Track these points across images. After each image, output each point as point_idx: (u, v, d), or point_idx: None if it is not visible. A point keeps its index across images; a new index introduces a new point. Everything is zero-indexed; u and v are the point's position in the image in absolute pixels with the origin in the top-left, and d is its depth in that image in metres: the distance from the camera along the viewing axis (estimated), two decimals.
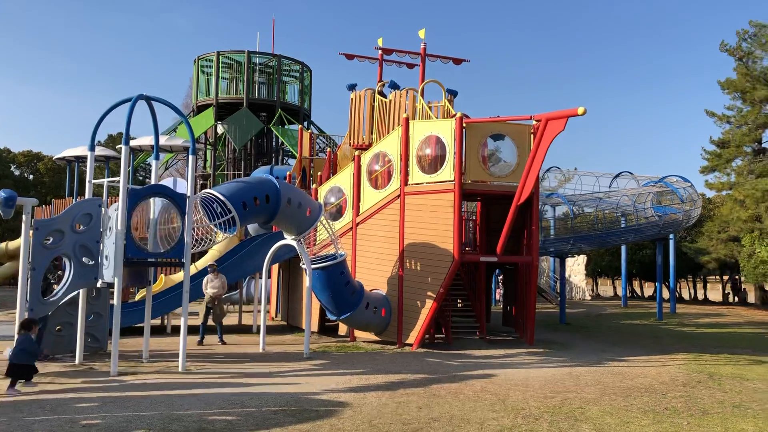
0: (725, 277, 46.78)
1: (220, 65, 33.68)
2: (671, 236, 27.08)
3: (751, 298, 43.09)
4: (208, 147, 35.23)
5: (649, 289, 50.48)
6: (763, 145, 38.41)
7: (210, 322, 14.92)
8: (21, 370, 8.93)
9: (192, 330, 13.92)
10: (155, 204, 11.13)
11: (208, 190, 11.98)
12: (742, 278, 40.29)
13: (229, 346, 14.38)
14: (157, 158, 11.96)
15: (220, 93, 33.64)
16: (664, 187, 25.42)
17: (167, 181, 13.74)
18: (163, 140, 25.81)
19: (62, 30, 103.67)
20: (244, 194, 12.04)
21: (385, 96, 18.08)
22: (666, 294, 35.46)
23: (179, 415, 7.71)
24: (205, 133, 34.50)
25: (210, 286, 14.85)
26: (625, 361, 13.16)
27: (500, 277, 28.23)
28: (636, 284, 49.95)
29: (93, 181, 11.52)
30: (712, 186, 38.08)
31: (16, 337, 9.29)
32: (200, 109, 34.31)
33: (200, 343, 14.37)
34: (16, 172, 45.91)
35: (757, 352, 15.37)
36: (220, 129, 34.30)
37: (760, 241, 34.54)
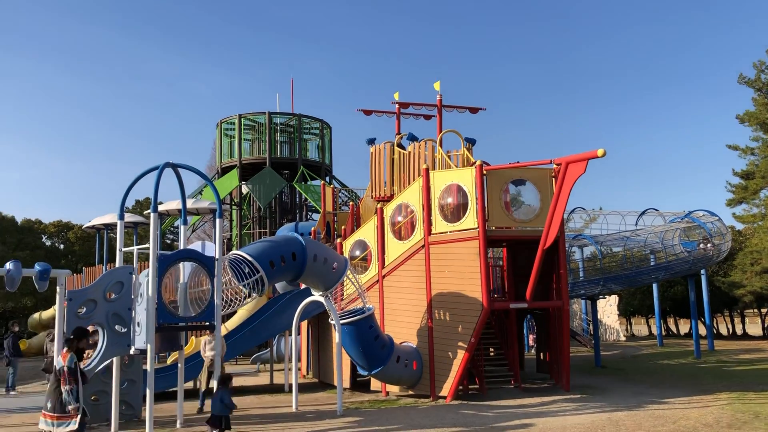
0: (764, 310, 45.60)
1: (242, 127, 34.45)
2: (703, 271, 26.59)
3: None
4: (234, 207, 35.74)
5: (684, 326, 49.34)
6: None
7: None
8: (221, 421, 10.04)
9: (190, 395, 13.38)
10: (184, 268, 11.30)
11: (235, 252, 12.16)
12: None
13: (263, 406, 14.30)
14: (185, 223, 12.22)
15: (243, 154, 34.31)
16: (691, 223, 25.14)
17: (196, 245, 13.89)
18: (189, 203, 26.29)
19: (90, 100, 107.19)
20: (271, 253, 12.19)
21: (404, 148, 18.32)
22: (702, 330, 34.64)
23: None
24: (230, 193, 35.05)
25: (209, 348, 14.08)
26: (666, 404, 12.83)
27: (531, 323, 27.90)
28: (671, 322, 48.90)
29: (123, 249, 11.75)
30: (740, 218, 37.54)
31: (215, 391, 10.37)
32: (224, 170, 34.96)
33: (200, 410, 13.38)
34: (48, 243, 46.86)
35: None
36: (244, 189, 34.85)
37: None
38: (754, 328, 48.15)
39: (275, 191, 33.00)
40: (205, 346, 14.29)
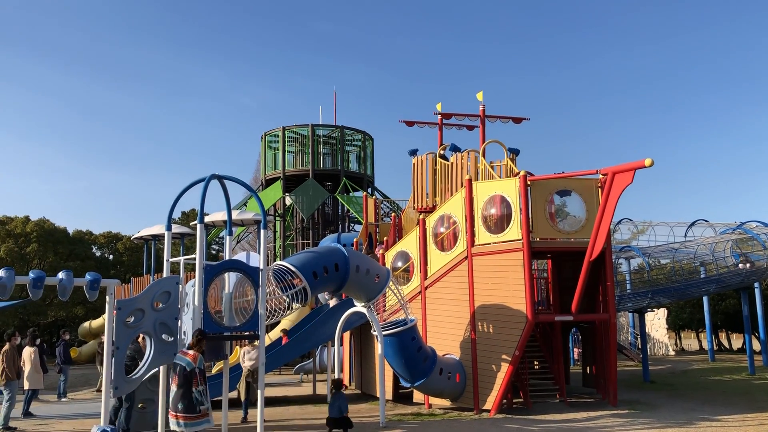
0: None
1: (286, 139, 34.91)
2: (756, 284, 25.75)
3: None
4: (277, 218, 36.16)
5: (737, 341, 47.79)
6: None
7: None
8: (338, 422, 11.10)
9: (233, 404, 13.57)
10: (230, 278, 11.44)
11: (279, 262, 12.27)
12: None
13: (306, 417, 14.34)
14: (230, 234, 12.38)
15: (287, 166, 34.76)
16: (743, 234, 24.39)
17: (240, 255, 14.08)
18: (234, 214, 26.69)
19: (138, 114, 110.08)
20: (314, 264, 12.27)
21: (446, 159, 18.27)
22: (756, 346, 33.49)
23: None
24: (274, 205, 35.49)
25: (247, 358, 14.20)
26: (718, 421, 12.42)
27: (576, 336, 27.39)
28: (722, 336, 47.45)
29: (170, 259, 11.97)
30: None
31: (329, 397, 11.57)
32: (268, 182, 35.45)
33: (245, 420, 13.65)
34: (98, 253, 48.07)
35: None
36: (288, 200, 35.25)
37: None
38: None
39: (318, 202, 33.29)
40: (243, 356, 14.39)
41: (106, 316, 10.46)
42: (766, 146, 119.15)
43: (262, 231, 11.90)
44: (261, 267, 11.29)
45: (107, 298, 10.16)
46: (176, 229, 25.51)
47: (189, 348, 9.53)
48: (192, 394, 8.96)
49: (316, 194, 33.13)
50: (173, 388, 9.16)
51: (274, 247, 35.67)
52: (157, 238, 27.39)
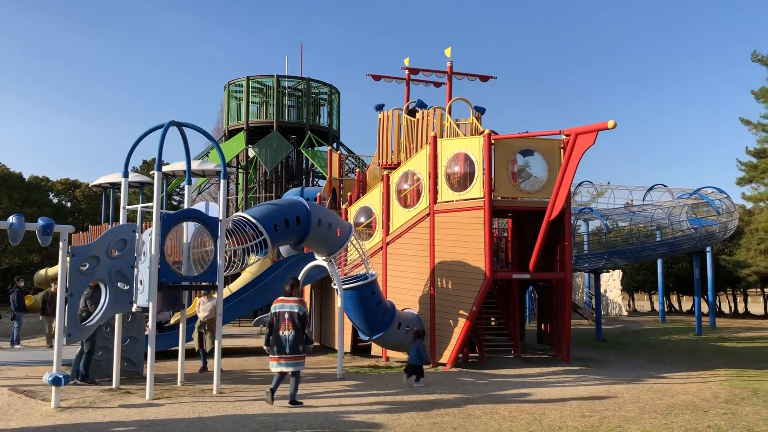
0: (767, 290, 45.57)
1: (250, 90, 34.18)
2: (708, 249, 26.50)
3: None
4: (240, 170, 35.67)
5: (687, 304, 49.39)
6: None
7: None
8: (417, 370, 11.69)
9: (191, 354, 13.57)
10: (188, 228, 11.28)
11: (239, 213, 12.12)
12: None
13: (264, 368, 14.41)
14: (189, 183, 12.17)
15: (251, 117, 34.09)
16: (699, 199, 24.95)
17: (200, 205, 13.87)
18: (195, 165, 26.22)
19: (100, 59, 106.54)
20: (275, 216, 12.15)
21: (412, 115, 18.14)
22: (705, 308, 34.66)
23: None
24: (237, 156, 34.95)
25: (202, 309, 13.88)
26: (665, 378, 12.86)
27: (533, 294, 27.94)
28: (674, 298, 48.95)
29: (127, 207, 11.73)
30: (749, 198, 37.30)
31: (412, 344, 12.19)
32: (231, 133, 34.80)
33: (203, 370, 13.55)
34: (55, 200, 46.96)
35: None
36: (251, 152, 34.72)
37: None
38: (757, 307, 48.18)
39: (282, 156, 32.86)
40: (198, 306, 14.22)
41: (59, 262, 10.24)
42: (728, 117, 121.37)
43: (222, 182, 11.71)
44: (220, 217, 11.15)
45: (61, 244, 9.92)
46: (135, 177, 25.02)
47: (287, 295, 9.92)
48: (306, 336, 9.71)
49: (280, 147, 32.67)
50: (285, 333, 9.60)
51: (236, 199, 35.27)
52: (116, 186, 26.82)
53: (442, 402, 10.07)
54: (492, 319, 16.93)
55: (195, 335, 14.14)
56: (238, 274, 20.19)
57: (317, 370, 13.95)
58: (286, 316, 9.64)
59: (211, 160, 30.80)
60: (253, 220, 11.76)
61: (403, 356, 15.08)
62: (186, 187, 12.15)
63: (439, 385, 11.70)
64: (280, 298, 9.94)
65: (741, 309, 46.78)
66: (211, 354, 13.70)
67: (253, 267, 18.88)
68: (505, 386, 11.68)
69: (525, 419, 8.85)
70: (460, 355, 14.57)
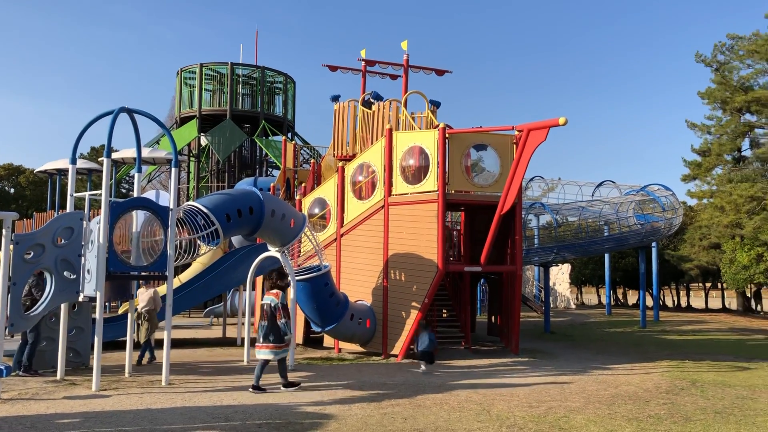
0: (708, 284, 47.24)
1: (203, 77, 33.60)
2: (654, 244, 27.31)
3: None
4: (192, 159, 35.08)
5: (633, 297, 50.82)
6: (742, 153, 39.01)
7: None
8: (428, 356, 12.49)
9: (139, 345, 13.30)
10: (138, 217, 11.07)
11: (191, 203, 11.94)
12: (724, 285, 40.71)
13: (214, 359, 14.28)
14: (139, 171, 11.93)
15: (203, 105, 33.53)
16: (645, 196, 25.67)
17: (150, 194, 13.64)
18: (146, 152, 25.69)
19: (49, 43, 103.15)
20: (227, 206, 12.00)
21: (368, 107, 18.13)
22: (650, 301, 35.75)
23: (162, 430, 7.64)
24: (189, 144, 34.36)
25: (140, 299, 13.26)
26: (610, 369, 13.23)
27: (484, 286, 28.32)
28: (620, 292, 50.27)
29: (75, 194, 11.44)
30: (693, 194, 38.53)
31: (421, 332, 12.81)
32: (183, 121, 34.18)
33: (151, 360, 13.20)
34: None
35: (739, 359, 15.52)
36: (203, 141, 34.17)
37: (741, 248, 35.00)
38: (698, 301, 49.90)
39: (235, 144, 32.45)
40: (137, 297, 13.34)
41: (2, 250, 9.93)
42: (677, 116, 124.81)
43: (173, 170, 11.52)
44: (171, 207, 10.97)
45: (3, 231, 9.61)
46: (83, 164, 24.39)
47: (270, 289, 10.75)
48: (279, 326, 10.26)
49: (234, 136, 32.24)
50: (263, 323, 10.37)
51: (188, 188, 34.72)
52: (63, 172, 26.09)
53: (393, 393, 10.15)
54: (444, 311, 17.13)
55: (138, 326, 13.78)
56: (188, 264, 19.92)
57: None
58: (265, 308, 10.43)
59: (162, 147, 30.23)
60: (205, 210, 11.59)
61: (356, 348, 15.15)
62: (136, 175, 11.92)
63: (390, 376, 11.78)
64: (267, 291, 10.75)
65: (684, 303, 48.39)
66: (146, 345, 13.31)
67: (205, 257, 18.60)
68: (456, 377, 11.84)
69: (474, 409, 8.99)
70: (412, 347, 14.69)
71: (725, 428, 8.18)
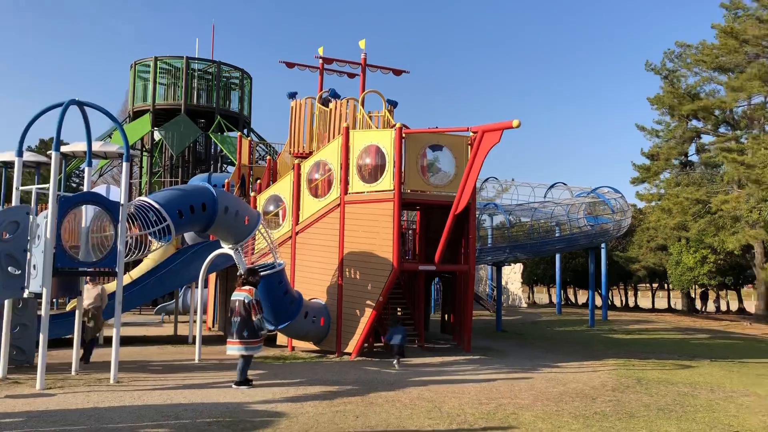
0: (654, 285, 48.59)
1: (158, 71, 33.01)
2: (603, 245, 27.98)
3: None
4: (145, 153, 34.42)
5: (582, 297, 51.91)
6: (689, 158, 40.27)
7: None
8: (403, 350, 13.34)
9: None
10: (87, 212, 10.84)
11: (142, 198, 11.74)
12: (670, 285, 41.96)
13: (165, 358, 14.06)
14: (89, 165, 11.66)
15: (158, 99, 32.94)
16: (596, 198, 26.27)
17: (100, 188, 13.34)
18: (97, 146, 25.08)
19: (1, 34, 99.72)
20: (179, 202, 11.83)
21: (325, 105, 18.10)
22: (599, 301, 36.61)
23: (109, 429, 7.51)
24: (142, 139, 33.70)
25: (85, 296, 12.51)
26: (558, 367, 13.52)
27: (439, 285, 28.57)
28: (570, 292, 51.30)
29: (21, 188, 11.13)
30: (642, 197, 39.62)
31: (394, 327, 13.53)
32: (137, 114, 33.52)
33: (87, 361, 12.47)
34: None
35: (682, 357, 16.04)
36: (157, 135, 33.57)
37: (686, 250, 36.14)
38: (646, 301, 51.30)
39: (189, 140, 31.96)
40: (83, 293, 12.63)
41: None
42: (629, 120, 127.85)
43: (125, 164, 11.30)
44: (122, 202, 10.76)
45: None
46: (30, 157, 23.67)
47: (241, 285, 10.82)
48: (253, 322, 10.44)
49: (188, 131, 31.74)
50: (235, 319, 10.50)
51: (140, 183, 34.05)
52: (9, 165, 25.24)
53: (345, 391, 10.18)
54: (398, 309, 17.21)
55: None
56: (140, 261, 19.56)
57: (220, 359, 13.75)
58: (237, 304, 10.57)
59: (114, 141, 29.56)
60: (157, 206, 11.41)
61: (309, 346, 15.12)
62: (86, 168, 11.64)
63: (343, 375, 11.81)
64: (237, 288, 10.87)
65: (631, 303, 49.67)
66: (93, 344, 12.91)
67: (156, 254, 18.32)
68: (408, 375, 11.93)
69: (425, 407, 9.09)
70: (366, 345, 14.75)
71: (667, 424, 8.46)
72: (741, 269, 37.97)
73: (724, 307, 44.65)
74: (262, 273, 13.27)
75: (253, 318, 10.48)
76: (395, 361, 12.98)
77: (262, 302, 13.45)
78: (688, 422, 8.60)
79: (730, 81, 33.59)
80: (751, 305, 41.61)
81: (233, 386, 10.28)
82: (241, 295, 10.64)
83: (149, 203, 11.43)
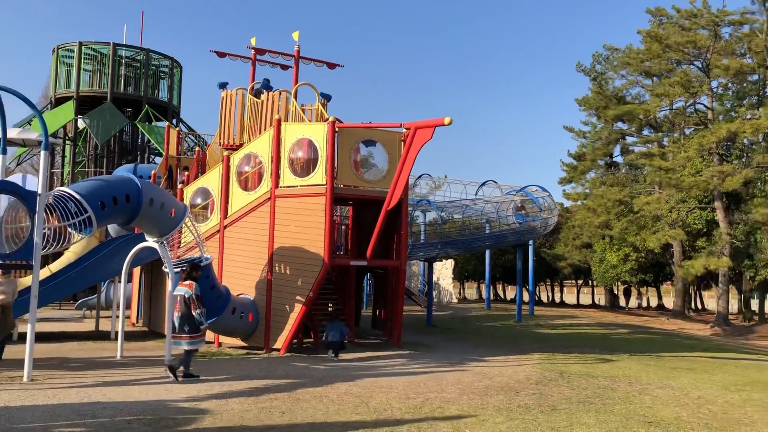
0: (579, 281, 50.20)
1: (83, 56, 31.70)
2: (531, 242, 28.66)
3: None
4: (67, 142, 33.05)
5: (511, 293, 53.06)
6: (614, 159, 41.72)
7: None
8: (338, 345, 13.70)
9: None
10: (0, 202, 10.30)
11: (62, 188, 11.24)
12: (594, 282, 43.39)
13: (85, 354, 13.55)
14: (4, 153, 11.13)
15: (82, 86, 31.64)
16: (524, 196, 26.88)
17: (15, 177, 12.70)
18: (15, 133, 23.95)
19: None
20: (102, 193, 11.37)
21: (257, 96, 17.79)
22: (526, 297, 37.49)
23: (20, 429, 7.16)
24: (64, 127, 32.34)
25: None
26: (485, 362, 13.75)
27: (371, 281, 28.64)
28: (500, 287, 52.37)
29: None
30: (569, 196, 40.82)
31: (333, 324, 14.00)
32: (59, 101, 32.11)
33: None
34: None
35: (604, 351, 16.60)
36: (80, 124, 32.25)
37: (610, 248, 37.46)
38: (571, 297, 52.89)
39: (115, 129, 30.86)
40: None
41: None
42: (557, 120, 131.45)
43: (43, 152, 10.78)
44: (39, 192, 10.28)
45: None
46: None
47: (183, 280, 10.91)
48: (194, 317, 10.47)
49: (114, 120, 30.65)
50: (176, 315, 10.56)
51: (62, 173, 32.67)
52: None
53: (272, 387, 10.05)
54: (329, 304, 17.13)
55: None
56: (60, 253, 18.78)
57: (144, 355, 13.36)
58: (178, 299, 10.67)
59: (35, 128, 28.27)
60: (77, 196, 10.93)
61: (237, 342, 14.86)
62: (0, 156, 11.07)
63: (271, 371, 11.66)
64: (180, 282, 10.97)
65: (557, 298, 51.14)
66: (6, 341, 12.21)
67: (77, 246, 17.60)
68: (337, 371, 11.89)
69: (352, 402, 9.06)
70: (295, 341, 14.61)
71: (586, 416, 8.71)
72: (660, 267, 39.63)
73: (645, 304, 46.55)
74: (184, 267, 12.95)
75: (194, 312, 10.50)
76: (331, 353, 13.46)
77: None
78: (606, 414, 8.89)
79: (654, 87, 34.99)
80: (669, 302, 43.50)
81: (179, 380, 10.29)
82: (182, 290, 10.69)
83: (69, 193, 10.94)
